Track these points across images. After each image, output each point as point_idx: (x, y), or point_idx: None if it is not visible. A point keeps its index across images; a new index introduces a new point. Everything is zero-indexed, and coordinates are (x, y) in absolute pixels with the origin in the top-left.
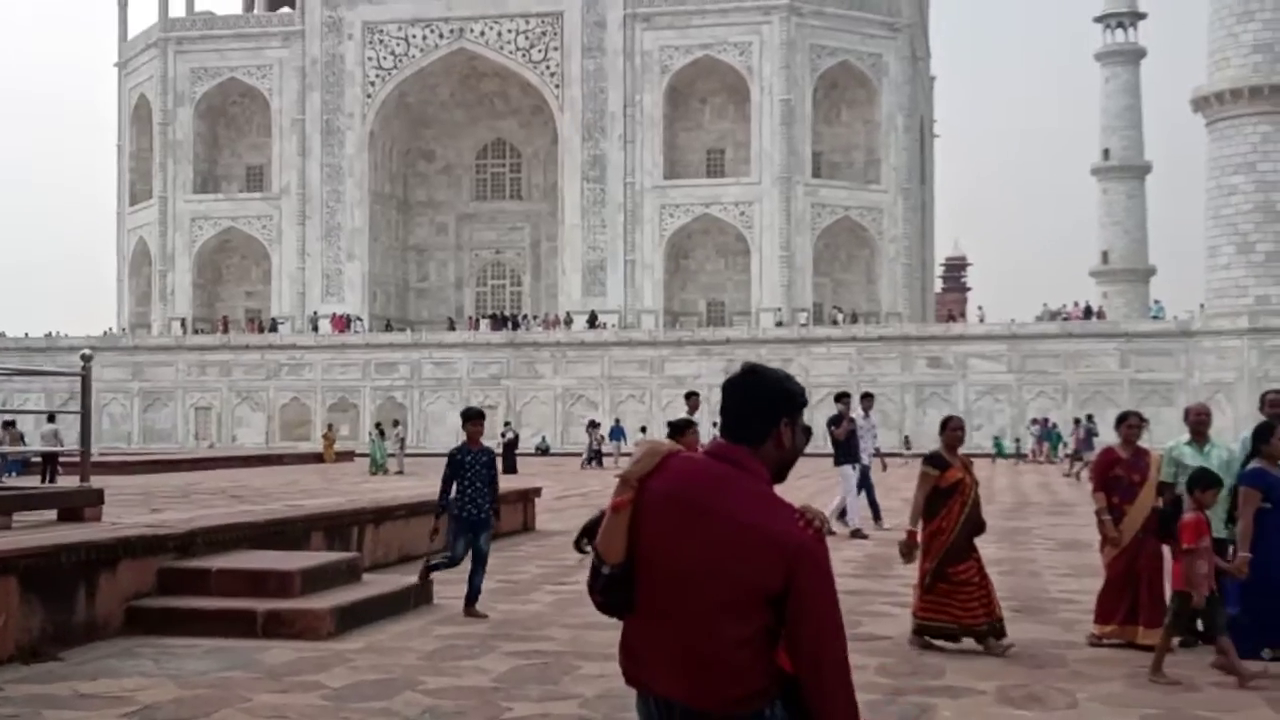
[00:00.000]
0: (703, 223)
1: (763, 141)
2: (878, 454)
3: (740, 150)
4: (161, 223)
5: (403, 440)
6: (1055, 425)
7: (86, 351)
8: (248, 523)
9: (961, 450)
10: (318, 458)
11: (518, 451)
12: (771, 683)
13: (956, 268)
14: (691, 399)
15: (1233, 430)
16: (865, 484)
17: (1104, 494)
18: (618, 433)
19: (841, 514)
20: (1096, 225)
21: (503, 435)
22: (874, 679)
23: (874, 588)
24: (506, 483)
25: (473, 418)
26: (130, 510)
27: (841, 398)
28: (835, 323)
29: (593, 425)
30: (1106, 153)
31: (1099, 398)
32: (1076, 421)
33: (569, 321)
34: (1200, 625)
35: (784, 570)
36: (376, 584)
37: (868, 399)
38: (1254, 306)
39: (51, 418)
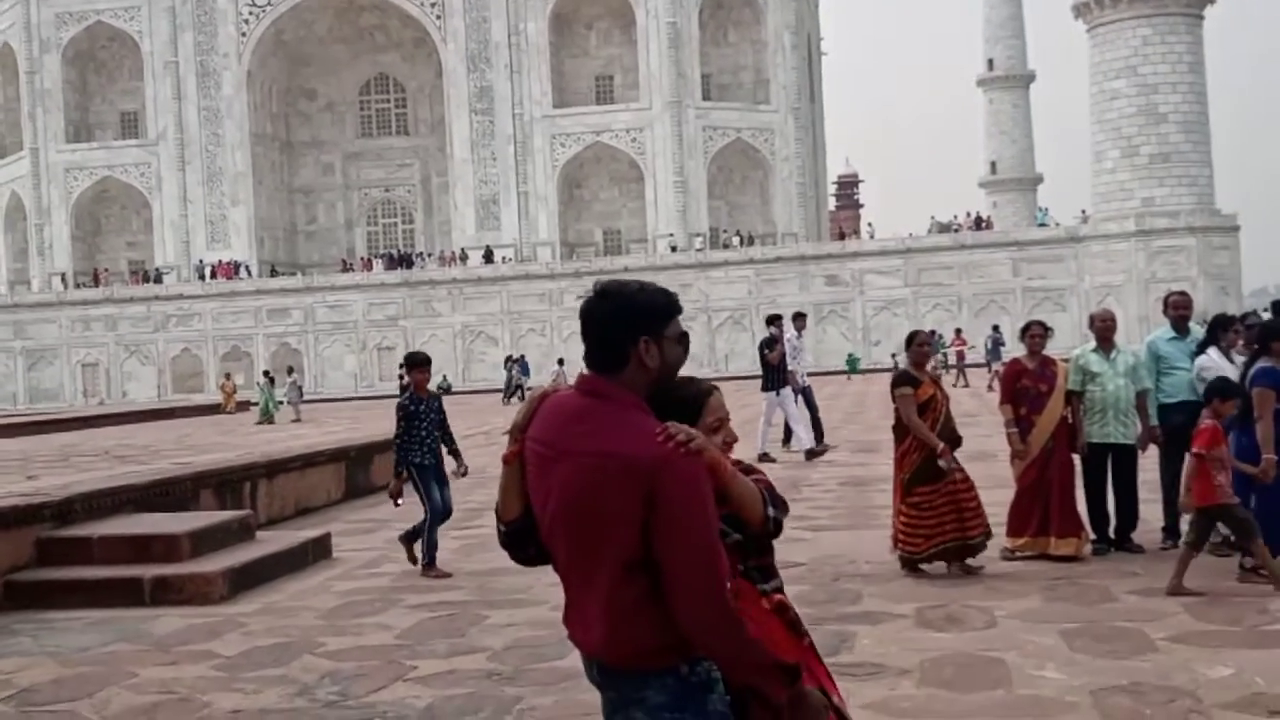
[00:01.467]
0: (595, 151)
1: (650, 66)
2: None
3: (629, 76)
4: (34, 175)
5: (300, 387)
6: (940, 336)
7: None
8: (131, 485)
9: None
10: (215, 409)
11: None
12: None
13: (849, 185)
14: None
15: (1124, 333)
16: (809, 403)
17: (1011, 406)
18: (524, 368)
19: (787, 436)
20: (984, 136)
21: (401, 378)
22: None
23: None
24: None
25: (419, 364)
26: (4, 478)
27: (774, 320)
28: (726, 246)
29: (510, 360)
30: (991, 63)
31: (993, 307)
32: (957, 333)
33: (464, 258)
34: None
35: (644, 492)
36: (272, 541)
37: (800, 319)
38: (1140, 209)
39: None
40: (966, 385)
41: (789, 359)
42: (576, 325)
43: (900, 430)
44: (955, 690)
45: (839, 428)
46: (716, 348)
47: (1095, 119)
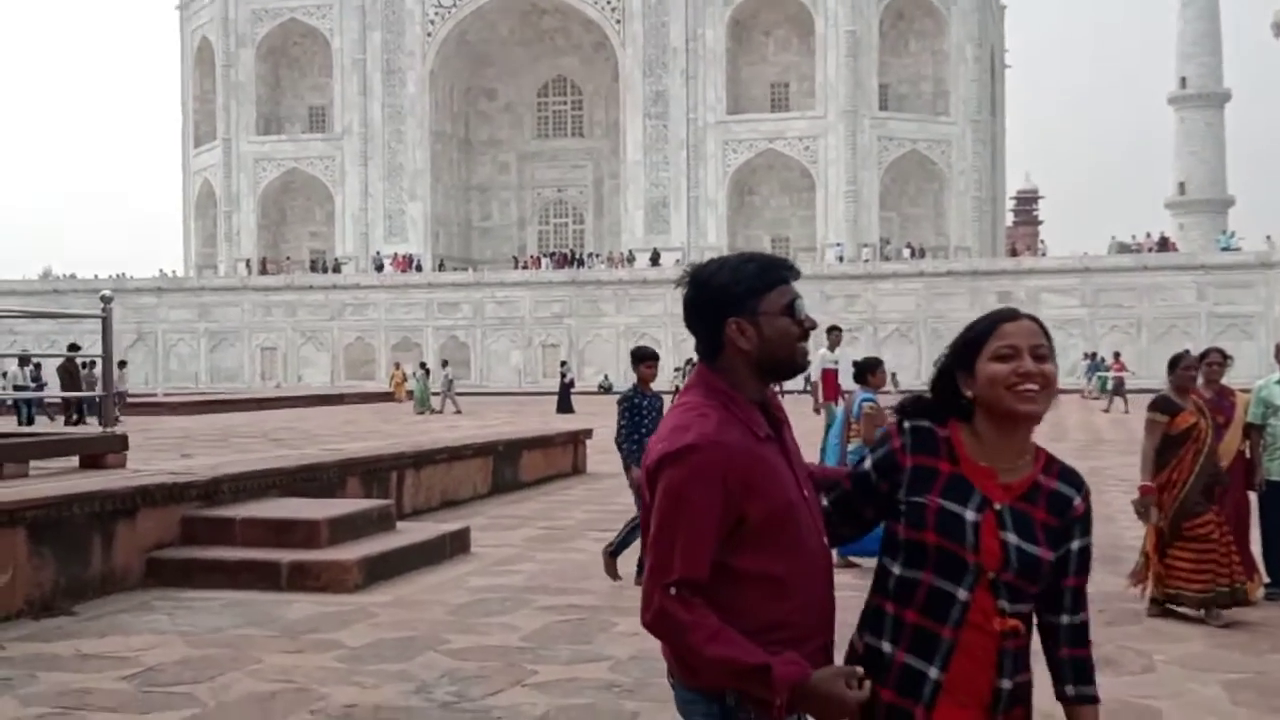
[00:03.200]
0: (767, 158)
1: (828, 74)
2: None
3: (804, 84)
4: (226, 164)
5: (450, 380)
6: (1103, 359)
7: (106, 293)
8: (279, 469)
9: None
10: (386, 396)
11: (573, 391)
12: None
13: (1028, 200)
14: (833, 334)
15: None
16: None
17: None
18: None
19: None
20: (1172, 155)
21: (562, 376)
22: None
23: None
24: (559, 424)
25: (645, 358)
26: (160, 455)
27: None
28: (886, 259)
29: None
30: (1184, 81)
31: (1175, 331)
32: (1116, 356)
33: (632, 259)
34: None
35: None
36: (410, 532)
37: (834, 332)
38: None
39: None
40: (1126, 412)
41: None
42: None
43: (1159, 459)
44: None
45: None
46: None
47: None
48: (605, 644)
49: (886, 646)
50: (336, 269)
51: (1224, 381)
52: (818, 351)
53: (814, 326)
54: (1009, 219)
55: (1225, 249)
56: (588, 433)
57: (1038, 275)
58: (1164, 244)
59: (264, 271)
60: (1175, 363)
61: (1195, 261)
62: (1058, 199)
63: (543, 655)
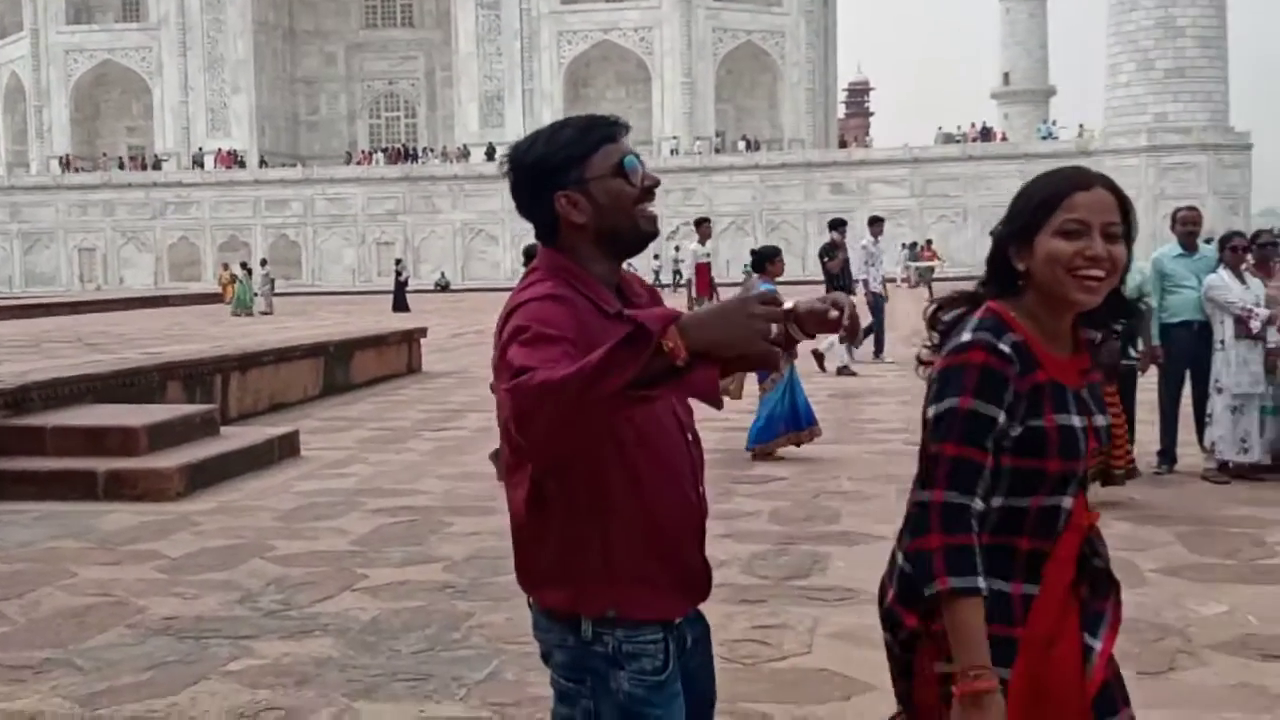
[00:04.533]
0: (602, 49)
1: None
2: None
3: None
4: (34, 56)
5: (272, 280)
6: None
7: None
8: (92, 374)
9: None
10: (214, 298)
11: (408, 290)
12: (589, 585)
13: (859, 92)
14: (703, 226)
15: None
16: (877, 313)
17: None
18: None
19: (879, 348)
20: (999, 46)
21: (397, 274)
22: (766, 526)
23: None
24: (394, 322)
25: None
26: None
27: (836, 225)
28: (718, 151)
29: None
30: None
31: (999, 219)
32: (928, 243)
33: (467, 154)
34: None
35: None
36: (236, 437)
37: (877, 223)
38: (1152, 124)
39: None
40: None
41: (866, 265)
42: None
43: None
44: None
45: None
46: (721, 252)
47: (1112, 31)
48: (438, 545)
49: (1002, 585)
50: (157, 166)
51: None
52: (688, 245)
53: (655, 184)
54: (841, 111)
55: (1045, 138)
56: (423, 331)
57: (869, 166)
58: (986, 134)
59: (71, 168)
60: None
61: (1018, 151)
62: (889, 90)
63: (373, 559)
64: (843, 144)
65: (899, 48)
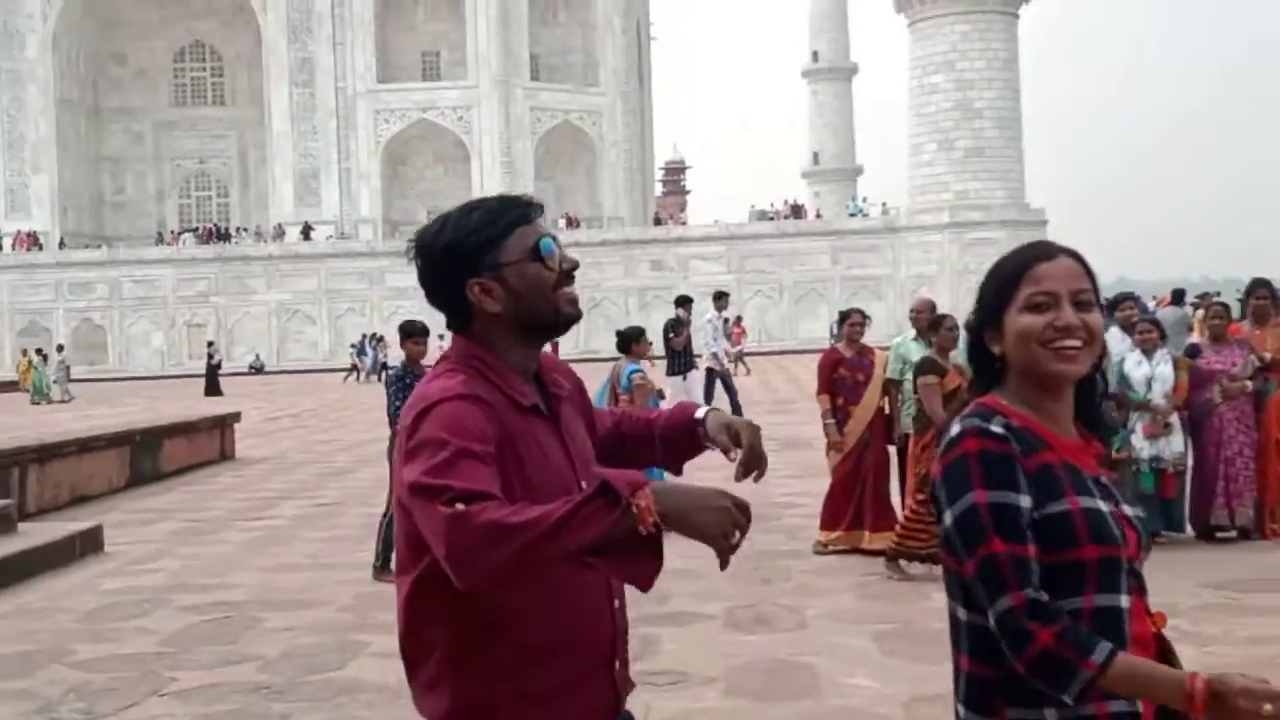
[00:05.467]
0: (420, 128)
1: (479, 44)
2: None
3: (456, 52)
4: None
5: (67, 366)
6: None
7: None
8: None
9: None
10: (12, 386)
11: (222, 373)
12: (473, 698)
13: (676, 171)
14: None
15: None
16: (727, 387)
17: (829, 396)
18: (364, 349)
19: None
20: (808, 127)
21: (209, 357)
22: None
23: None
24: (205, 407)
25: (414, 334)
26: None
27: (682, 302)
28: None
29: (371, 338)
30: (815, 55)
31: (813, 294)
32: (738, 320)
33: (282, 234)
34: None
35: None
36: (34, 534)
37: (721, 299)
38: (954, 201)
39: None
40: (748, 373)
41: (710, 340)
42: (399, 304)
43: (922, 422)
44: (763, 700)
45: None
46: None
47: (914, 112)
48: (253, 642)
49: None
50: None
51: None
52: (704, 317)
53: (574, 266)
54: (659, 189)
55: (854, 214)
56: (236, 416)
57: (687, 243)
58: (798, 211)
59: None
60: (937, 324)
61: (830, 227)
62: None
63: (183, 660)
64: (658, 221)
65: (714, 129)
